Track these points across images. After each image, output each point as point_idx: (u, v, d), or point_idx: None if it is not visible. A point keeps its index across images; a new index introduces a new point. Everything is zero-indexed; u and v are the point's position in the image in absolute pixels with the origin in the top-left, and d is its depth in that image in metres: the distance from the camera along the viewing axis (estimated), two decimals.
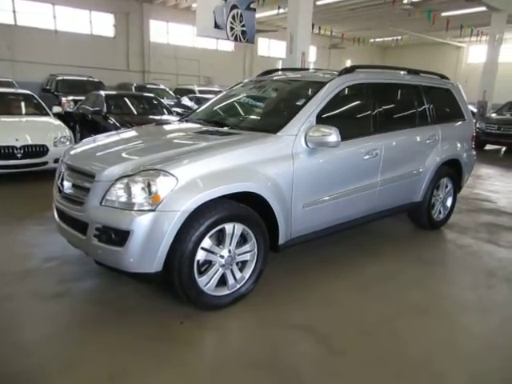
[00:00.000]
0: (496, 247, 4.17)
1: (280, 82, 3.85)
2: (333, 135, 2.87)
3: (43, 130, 6.55)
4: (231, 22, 6.97)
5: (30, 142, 6.05)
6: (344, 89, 3.35)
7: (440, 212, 4.60)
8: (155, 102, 9.55)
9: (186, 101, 12.03)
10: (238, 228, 2.64)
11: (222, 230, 2.58)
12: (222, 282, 2.68)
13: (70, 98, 11.94)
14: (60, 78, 13.41)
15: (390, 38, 21.96)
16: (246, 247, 2.74)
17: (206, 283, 2.58)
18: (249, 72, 21.63)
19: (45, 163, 6.21)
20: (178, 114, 9.65)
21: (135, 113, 8.73)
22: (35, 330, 2.45)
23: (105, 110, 8.41)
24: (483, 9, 13.08)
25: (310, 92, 3.29)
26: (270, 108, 3.58)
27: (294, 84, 3.66)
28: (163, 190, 2.33)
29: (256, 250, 2.78)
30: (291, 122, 2.96)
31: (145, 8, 18.08)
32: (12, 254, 3.49)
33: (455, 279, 3.40)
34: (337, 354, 2.34)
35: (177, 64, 18.85)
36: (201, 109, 4.01)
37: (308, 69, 4.20)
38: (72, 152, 3.01)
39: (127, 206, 2.37)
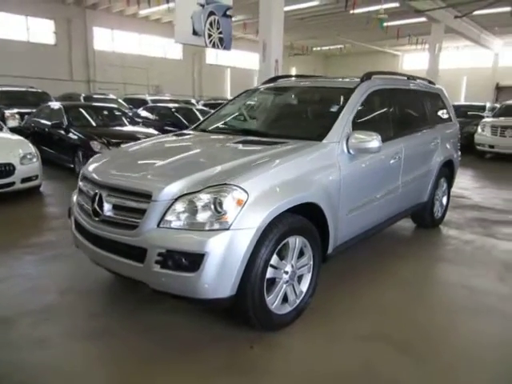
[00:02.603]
0: (496, 240, 4.41)
1: (302, 89, 3.78)
2: (375, 141, 2.86)
3: (5, 147, 5.90)
4: (209, 29, 6.81)
5: None
6: (368, 95, 3.38)
7: (438, 210, 4.81)
8: (118, 113, 9.06)
9: (143, 112, 11.49)
10: (299, 241, 2.53)
11: (285, 245, 2.45)
12: (283, 299, 2.54)
13: (15, 110, 10.95)
14: None
15: (334, 47, 22.88)
16: (304, 260, 2.62)
17: (273, 302, 2.43)
18: (198, 80, 21.41)
19: (12, 184, 5.59)
20: (144, 124, 9.24)
21: (99, 124, 8.20)
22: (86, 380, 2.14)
23: (66, 122, 7.82)
24: (424, 19, 14.08)
25: (339, 98, 3.27)
26: (304, 115, 3.50)
27: (320, 90, 3.62)
28: (236, 207, 2.15)
29: (312, 262, 2.68)
30: (333, 129, 2.91)
31: (88, 14, 17.20)
32: (21, 290, 3.05)
33: (481, 274, 3.52)
34: (424, 359, 2.30)
35: (124, 73, 18.12)
36: (214, 118, 3.82)
37: (318, 76, 4.18)
38: (105, 169, 2.68)
39: (195, 227, 2.15)
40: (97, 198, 2.45)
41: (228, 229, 2.12)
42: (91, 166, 2.79)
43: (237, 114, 3.76)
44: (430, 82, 4.97)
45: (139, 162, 2.70)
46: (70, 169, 7.44)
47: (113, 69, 17.73)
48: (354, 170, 2.98)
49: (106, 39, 17.88)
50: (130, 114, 11.88)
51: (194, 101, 17.15)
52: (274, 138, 2.95)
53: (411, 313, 2.83)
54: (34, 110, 9.92)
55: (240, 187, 2.18)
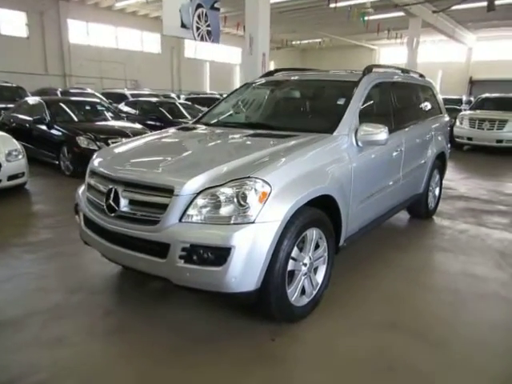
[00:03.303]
0: (488, 229, 4.57)
1: (306, 82, 3.78)
2: (382, 133, 2.91)
3: None
4: (197, 22, 6.70)
5: None
6: (371, 88, 3.41)
7: (432, 201, 4.93)
8: (101, 108, 8.84)
9: (125, 107, 11.22)
10: (316, 233, 2.55)
11: (304, 237, 2.47)
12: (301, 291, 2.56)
13: None
14: None
15: (312, 41, 22.97)
16: (320, 252, 2.65)
17: (293, 295, 2.44)
18: (177, 74, 21.11)
19: None
20: (128, 119, 9.04)
21: (83, 119, 7.97)
22: (113, 377, 2.10)
23: (48, 118, 7.57)
24: (402, 14, 14.32)
25: (344, 91, 3.29)
26: (311, 108, 3.51)
27: (324, 84, 3.63)
28: (260, 200, 2.15)
29: (326, 254, 2.71)
30: (343, 122, 2.94)
31: (61, 6, 16.64)
32: (27, 290, 2.95)
33: (480, 262, 3.64)
34: (438, 345, 2.37)
35: (101, 67, 17.65)
36: (216, 112, 3.77)
37: (315, 69, 4.18)
38: (119, 164, 2.58)
39: (219, 221, 2.14)
40: (112, 194, 2.39)
41: (253, 222, 2.12)
42: (100, 162, 2.72)
43: (240, 107, 3.73)
44: (421, 76, 5.08)
45: (154, 157, 2.64)
46: (54, 165, 7.22)
47: (89, 63, 17.23)
48: (363, 162, 3.02)
49: (82, 32, 17.33)
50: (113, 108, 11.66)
51: (173, 95, 16.94)
52: (284, 131, 2.95)
53: (420, 302, 2.90)
54: (9, 106, 9.56)
55: (264, 180, 2.18)
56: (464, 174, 8.16)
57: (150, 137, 3.20)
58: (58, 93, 13.44)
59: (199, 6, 6.67)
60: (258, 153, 2.45)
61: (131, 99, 11.80)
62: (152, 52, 19.96)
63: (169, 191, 2.19)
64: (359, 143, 2.95)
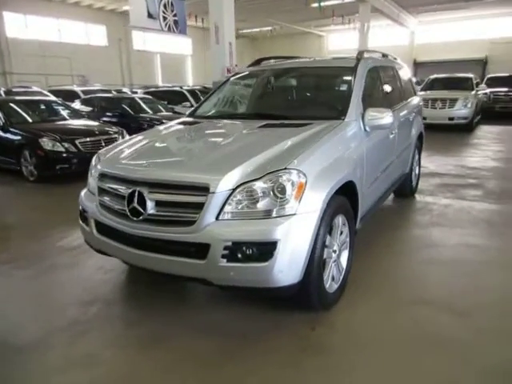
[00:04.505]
0: (468, 202, 4.85)
1: (303, 70, 3.73)
2: (388, 117, 2.96)
3: None
4: (163, 11, 6.40)
5: None
6: (367, 73, 3.46)
7: (413, 180, 5.14)
8: (59, 107, 8.30)
9: (79, 104, 10.58)
10: (341, 220, 2.57)
11: (332, 225, 2.47)
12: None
13: None
14: None
15: (263, 29, 22.91)
16: (343, 237, 2.67)
17: (327, 282, 2.45)
18: (127, 68, 20.26)
19: None
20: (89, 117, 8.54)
21: (41, 120, 7.45)
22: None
23: (2, 120, 7.02)
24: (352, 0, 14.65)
25: (343, 77, 3.32)
26: (315, 95, 3.49)
27: (321, 71, 3.62)
28: (298, 191, 2.12)
29: (348, 238, 2.74)
30: (350, 108, 2.96)
31: None
32: (33, 309, 2.73)
33: (474, 233, 3.85)
34: (465, 315, 2.49)
35: (44, 62, 16.53)
36: (211, 104, 3.66)
37: (302, 57, 4.15)
38: (137, 164, 2.44)
39: (259, 215, 2.08)
40: (135, 197, 2.25)
41: (295, 214, 2.09)
42: (112, 163, 2.55)
43: (238, 98, 3.64)
44: (395, 59, 5.23)
45: (174, 153, 2.51)
46: (15, 172, 6.71)
47: (31, 59, 16.06)
48: (371, 146, 3.07)
49: (20, 26, 16.07)
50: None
51: (126, 90, 16.27)
52: (294, 120, 2.92)
53: (436, 276, 3.02)
54: None
55: (300, 171, 2.15)
56: (426, 152, 8.51)
57: (154, 133, 3.05)
58: (1, 92, 12.43)
59: None
60: (282, 143, 2.41)
61: (86, 96, 11.13)
62: (99, 45, 18.95)
63: (204, 189, 2.10)
64: (367, 128, 2.98)
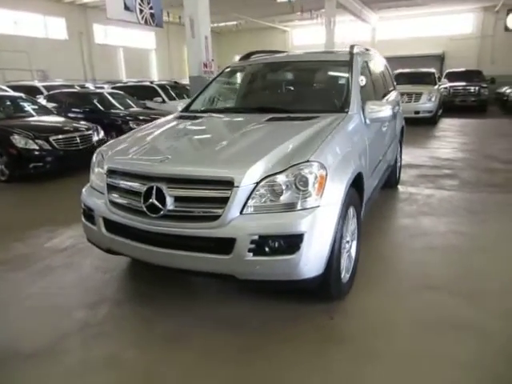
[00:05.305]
0: (448, 192, 5.08)
1: (299, 64, 3.74)
2: (388, 110, 3.05)
3: None
4: (140, 4, 6.19)
5: None
6: (361, 66, 3.54)
7: (397, 171, 5.32)
8: (26, 103, 7.88)
9: (44, 101, 10.06)
10: (352, 211, 2.62)
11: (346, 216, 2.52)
12: None
13: None
14: None
15: (228, 24, 22.71)
16: (353, 228, 2.73)
17: (342, 272, 2.50)
18: (88, 62, 19.47)
19: None
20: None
21: (7, 117, 7.05)
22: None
23: None
24: None
25: (339, 71, 3.37)
26: (316, 89, 3.51)
27: (317, 64, 3.64)
28: (320, 183, 2.15)
29: (356, 229, 2.81)
30: (352, 101, 3.01)
31: None
32: (36, 313, 2.61)
33: (458, 221, 4.04)
34: (471, 298, 2.62)
35: (0, 57, 15.56)
36: (206, 99, 3.60)
37: (283, 51, 4.17)
38: (153, 158, 2.37)
39: (284, 208, 2.09)
40: (153, 192, 2.19)
41: (318, 206, 2.11)
42: (122, 158, 2.47)
43: (235, 92, 3.61)
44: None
45: (189, 148, 2.46)
46: None
47: None
48: (372, 138, 3.16)
49: None
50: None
51: (89, 85, 15.69)
52: (299, 114, 2.94)
53: (436, 262, 3.15)
54: None
55: (321, 163, 2.18)
56: None
57: (158, 127, 2.96)
58: None
59: None
60: (297, 136, 2.43)
61: (52, 92, 10.62)
62: (58, 38, 18.04)
63: (228, 183, 2.08)
64: (367, 120, 3.06)
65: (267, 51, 4.27)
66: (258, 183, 2.09)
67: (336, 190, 2.22)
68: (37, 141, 6.11)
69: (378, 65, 4.54)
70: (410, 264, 3.14)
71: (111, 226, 2.45)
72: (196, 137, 2.80)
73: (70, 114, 8.67)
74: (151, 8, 6.64)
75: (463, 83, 15.05)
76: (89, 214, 2.62)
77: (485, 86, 14.78)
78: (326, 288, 2.37)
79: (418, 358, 2.10)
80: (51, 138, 6.24)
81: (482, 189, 5.14)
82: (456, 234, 3.70)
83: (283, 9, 15.30)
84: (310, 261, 2.10)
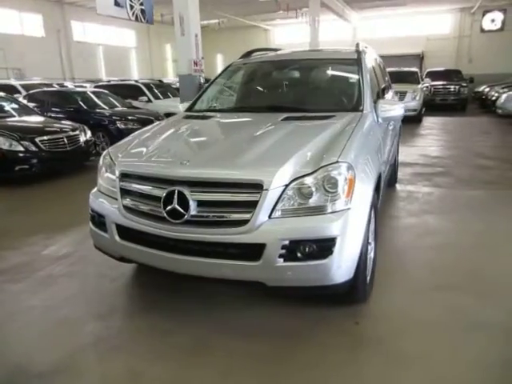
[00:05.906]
0: (445, 189, 5.12)
1: (306, 62, 3.65)
2: (399, 109, 3.02)
3: None
4: (130, 0, 6.01)
5: None
6: (368, 64, 3.50)
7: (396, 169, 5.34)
8: (5, 102, 7.53)
9: (24, 100, 9.67)
10: (373, 212, 2.56)
11: None
12: None
13: None
14: None
15: (210, 22, 22.48)
16: (372, 229, 2.68)
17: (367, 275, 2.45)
18: (67, 60, 18.92)
19: None
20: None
21: None
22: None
23: None
24: None
25: (350, 69, 3.32)
26: (328, 88, 3.43)
27: (327, 63, 3.58)
28: (349, 185, 2.08)
29: (374, 229, 2.76)
30: (365, 100, 2.97)
31: None
32: (44, 327, 2.45)
33: (462, 219, 4.07)
34: (489, 297, 2.61)
35: None
36: (211, 99, 3.48)
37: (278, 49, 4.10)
38: (172, 161, 2.27)
39: (313, 211, 2.01)
40: (175, 197, 2.07)
41: (349, 208, 2.04)
42: (138, 162, 2.34)
43: (241, 91, 3.51)
44: None
45: (209, 150, 2.34)
46: None
47: None
48: (384, 137, 3.12)
49: None
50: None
51: (68, 83, 15.25)
52: (314, 113, 2.87)
53: (451, 261, 3.14)
54: None
55: (349, 163, 2.11)
56: None
57: (168, 128, 2.83)
58: None
59: None
60: (320, 136, 2.36)
61: (32, 91, 10.21)
62: (35, 36, 17.43)
63: (256, 186, 1.98)
64: (379, 119, 3.01)
65: (267, 49, 4.20)
66: (287, 186, 2.01)
67: (365, 191, 2.16)
68: (22, 142, 5.85)
69: (379, 63, 4.53)
70: (424, 263, 3.11)
71: (125, 232, 2.31)
72: (212, 137, 2.69)
73: (53, 115, 8.38)
74: (142, 4, 6.45)
75: (444, 82, 15.35)
76: (99, 221, 2.47)
77: (465, 85, 15.12)
78: (354, 292, 2.31)
79: (449, 359, 2.06)
80: (37, 139, 5.99)
81: (479, 186, 5.21)
82: (463, 232, 3.71)
83: (268, 7, 15.21)
84: (342, 265, 2.03)
